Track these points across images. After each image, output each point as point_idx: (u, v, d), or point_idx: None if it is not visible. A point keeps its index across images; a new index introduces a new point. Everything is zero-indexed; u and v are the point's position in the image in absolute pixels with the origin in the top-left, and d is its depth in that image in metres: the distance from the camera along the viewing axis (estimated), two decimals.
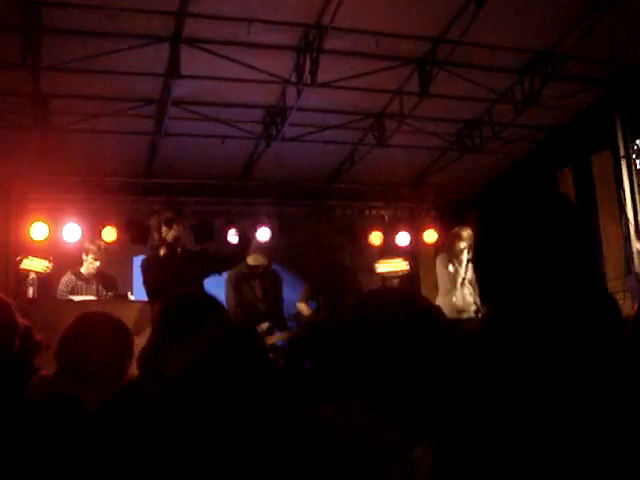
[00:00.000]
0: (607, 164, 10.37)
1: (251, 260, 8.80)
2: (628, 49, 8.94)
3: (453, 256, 9.28)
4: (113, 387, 3.05)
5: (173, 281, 6.92)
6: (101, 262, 9.40)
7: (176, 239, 7.31)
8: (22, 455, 2.46)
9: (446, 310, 9.29)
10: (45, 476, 2.47)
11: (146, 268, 7.45)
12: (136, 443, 2.43)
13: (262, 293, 8.92)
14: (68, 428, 2.57)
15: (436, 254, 12.06)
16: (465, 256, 9.19)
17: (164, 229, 7.33)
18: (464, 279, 9.21)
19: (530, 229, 1.74)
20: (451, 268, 9.25)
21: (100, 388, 2.98)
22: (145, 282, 7.38)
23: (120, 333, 3.29)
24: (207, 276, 7.53)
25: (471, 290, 9.21)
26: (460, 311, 9.19)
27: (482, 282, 1.86)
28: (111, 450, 2.47)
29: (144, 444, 2.41)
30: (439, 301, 9.52)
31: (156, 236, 7.41)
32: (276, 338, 8.61)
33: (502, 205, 1.85)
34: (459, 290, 9.22)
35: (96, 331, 3.17)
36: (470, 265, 9.30)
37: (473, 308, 9.17)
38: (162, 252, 7.36)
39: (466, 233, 9.33)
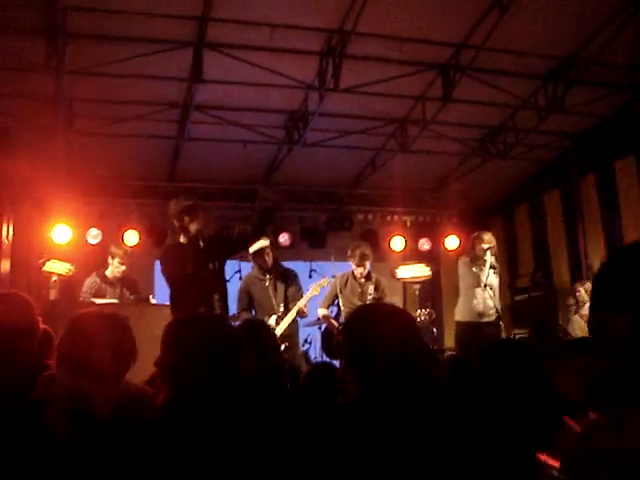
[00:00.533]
0: (631, 170, 10.29)
1: (252, 247, 8.78)
2: None
3: (475, 259, 9.24)
4: (118, 383, 3.08)
5: (193, 271, 6.80)
6: (126, 267, 9.42)
7: (199, 231, 7.05)
8: (28, 457, 2.47)
9: (466, 313, 9.31)
10: (56, 474, 2.47)
11: (165, 257, 7.20)
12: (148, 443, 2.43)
13: (274, 291, 8.94)
14: (78, 427, 2.56)
15: (458, 261, 12.08)
16: (488, 259, 9.16)
17: (186, 218, 6.99)
18: (485, 284, 9.18)
19: None
20: (474, 269, 9.22)
21: (104, 384, 2.96)
22: (164, 271, 7.12)
23: (117, 328, 3.22)
24: (226, 259, 7.36)
25: (491, 294, 9.17)
26: (481, 314, 9.18)
27: None
28: (126, 448, 2.48)
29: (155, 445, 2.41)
30: (459, 303, 9.53)
31: (176, 223, 7.07)
32: (285, 322, 8.75)
33: None
34: (480, 293, 9.20)
35: (93, 328, 3.16)
36: (492, 270, 9.27)
37: (493, 312, 9.15)
38: (182, 240, 7.06)
39: (487, 236, 9.29)
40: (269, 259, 8.91)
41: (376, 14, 8.01)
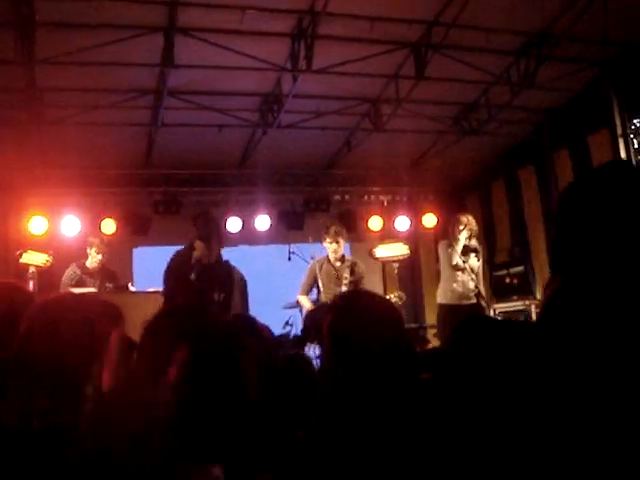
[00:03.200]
0: (605, 143, 10.35)
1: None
2: (623, 28, 8.90)
3: (454, 242, 9.26)
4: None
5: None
6: (103, 255, 9.41)
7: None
8: None
9: (447, 295, 9.32)
10: None
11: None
12: None
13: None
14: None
15: (436, 238, 12.11)
16: (462, 240, 9.19)
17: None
18: (465, 266, 9.21)
19: (604, 207, 1.80)
20: (452, 253, 9.23)
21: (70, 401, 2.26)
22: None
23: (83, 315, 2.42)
24: None
25: (473, 276, 9.22)
26: (461, 297, 9.22)
27: (555, 252, 1.92)
28: None
29: None
30: (440, 285, 9.56)
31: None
32: None
33: (578, 187, 1.92)
34: (460, 276, 9.24)
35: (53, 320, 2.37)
36: (472, 253, 9.32)
37: (474, 294, 9.20)
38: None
39: (465, 219, 9.31)
40: None
41: None
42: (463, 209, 11.52)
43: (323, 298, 9.17)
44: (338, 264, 9.23)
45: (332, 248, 9.16)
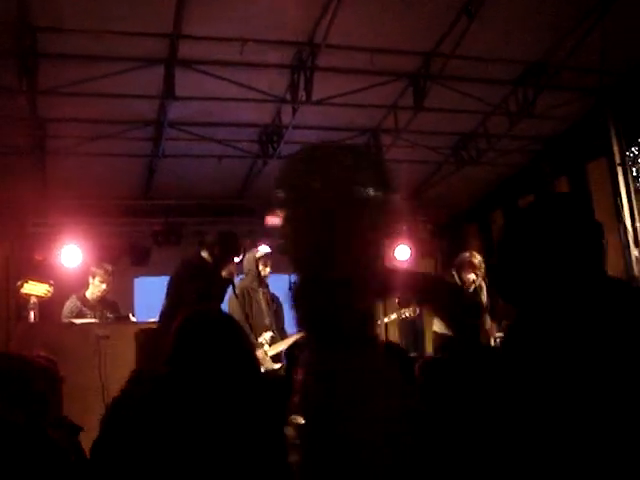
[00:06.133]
0: (603, 172, 10.38)
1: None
2: (620, 57, 8.98)
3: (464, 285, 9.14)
4: None
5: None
6: (108, 285, 9.35)
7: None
8: None
9: (444, 326, 9.25)
10: None
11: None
12: None
13: (266, 306, 8.85)
14: None
15: (436, 267, 12.08)
16: (477, 284, 9.18)
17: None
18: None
19: (546, 235, 1.88)
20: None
21: None
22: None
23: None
24: None
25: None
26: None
27: (504, 284, 1.92)
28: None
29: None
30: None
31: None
32: (281, 345, 8.52)
33: (518, 216, 1.95)
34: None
35: None
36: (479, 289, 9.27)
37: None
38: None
39: (477, 261, 9.19)
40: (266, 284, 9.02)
41: (345, 26, 8.06)
42: (463, 238, 11.49)
43: None
44: None
45: None
